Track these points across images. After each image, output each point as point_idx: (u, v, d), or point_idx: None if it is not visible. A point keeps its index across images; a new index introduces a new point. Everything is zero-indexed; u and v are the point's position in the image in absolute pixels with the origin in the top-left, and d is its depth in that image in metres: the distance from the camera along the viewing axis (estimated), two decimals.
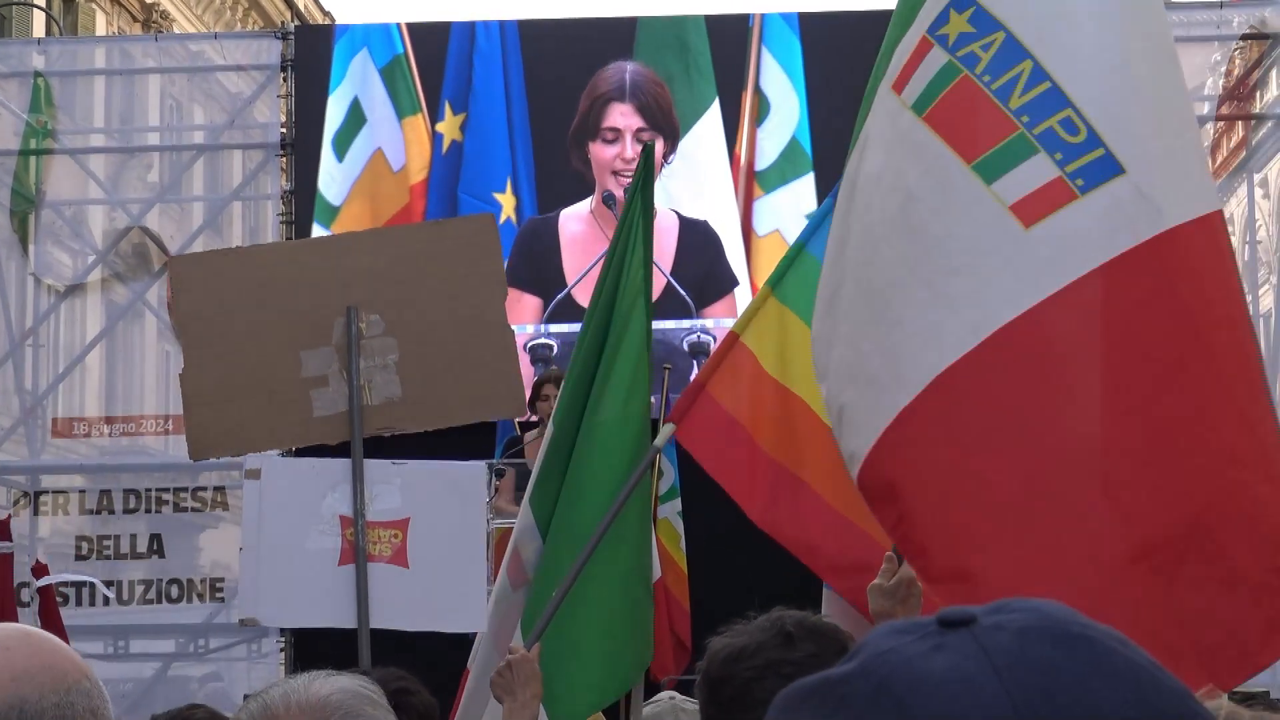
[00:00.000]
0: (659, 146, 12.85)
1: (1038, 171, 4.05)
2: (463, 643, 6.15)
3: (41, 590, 9.89)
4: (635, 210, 5.67)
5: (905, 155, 4.21)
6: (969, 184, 4.08)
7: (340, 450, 5.82)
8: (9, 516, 11.36)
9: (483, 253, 6.00)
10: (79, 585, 12.36)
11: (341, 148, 12.97)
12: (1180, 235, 3.98)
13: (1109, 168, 4.00)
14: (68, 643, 2.01)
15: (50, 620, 8.81)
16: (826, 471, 5.27)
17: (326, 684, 2.08)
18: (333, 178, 12.93)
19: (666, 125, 12.89)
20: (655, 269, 12.20)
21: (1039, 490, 3.92)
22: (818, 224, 5.63)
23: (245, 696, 2.06)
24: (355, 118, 12.99)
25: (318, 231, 12.52)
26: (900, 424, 3.98)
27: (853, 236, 4.24)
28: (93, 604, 12.53)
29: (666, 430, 5.49)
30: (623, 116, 12.88)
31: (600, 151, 12.83)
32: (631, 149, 12.78)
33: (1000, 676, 0.96)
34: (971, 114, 4.18)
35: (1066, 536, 3.91)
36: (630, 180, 12.56)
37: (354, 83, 13.00)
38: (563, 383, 5.75)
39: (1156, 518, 3.88)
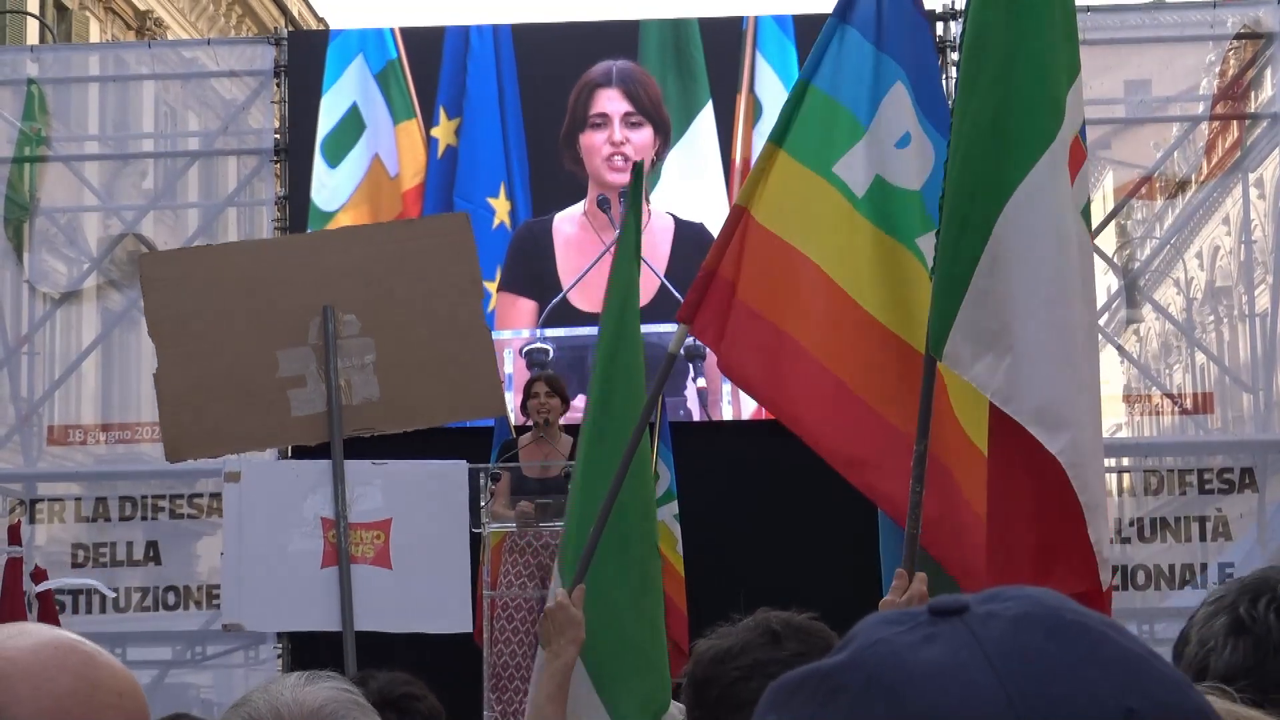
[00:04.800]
0: (649, 135, 12.83)
1: None
2: (449, 643, 6.11)
3: (41, 595, 9.89)
4: (629, 228, 5.54)
5: (1082, 257, 4.56)
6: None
7: (321, 451, 5.77)
8: (19, 521, 11.37)
9: (458, 252, 5.93)
10: (75, 592, 12.34)
11: (335, 153, 12.94)
12: None
13: None
14: None
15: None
16: (839, 347, 5.01)
17: (314, 692, 2.03)
18: (323, 184, 12.91)
19: (655, 115, 12.88)
20: (649, 271, 12.31)
21: None
22: (819, 58, 5.21)
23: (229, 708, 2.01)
24: (354, 124, 12.97)
25: None
26: None
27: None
28: (89, 611, 12.51)
29: (680, 332, 5.15)
30: (610, 101, 12.88)
31: (589, 139, 12.82)
32: (620, 132, 12.77)
33: (994, 667, 0.94)
34: None
35: None
36: (620, 168, 12.60)
37: (352, 88, 12.98)
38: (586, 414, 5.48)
39: None
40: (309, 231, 12.41)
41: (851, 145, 5.10)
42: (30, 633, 1.67)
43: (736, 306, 5.08)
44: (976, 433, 4.80)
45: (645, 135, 12.83)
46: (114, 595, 12.44)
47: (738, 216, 5.17)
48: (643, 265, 12.33)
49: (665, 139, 12.86)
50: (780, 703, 1.01)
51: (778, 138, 5.20)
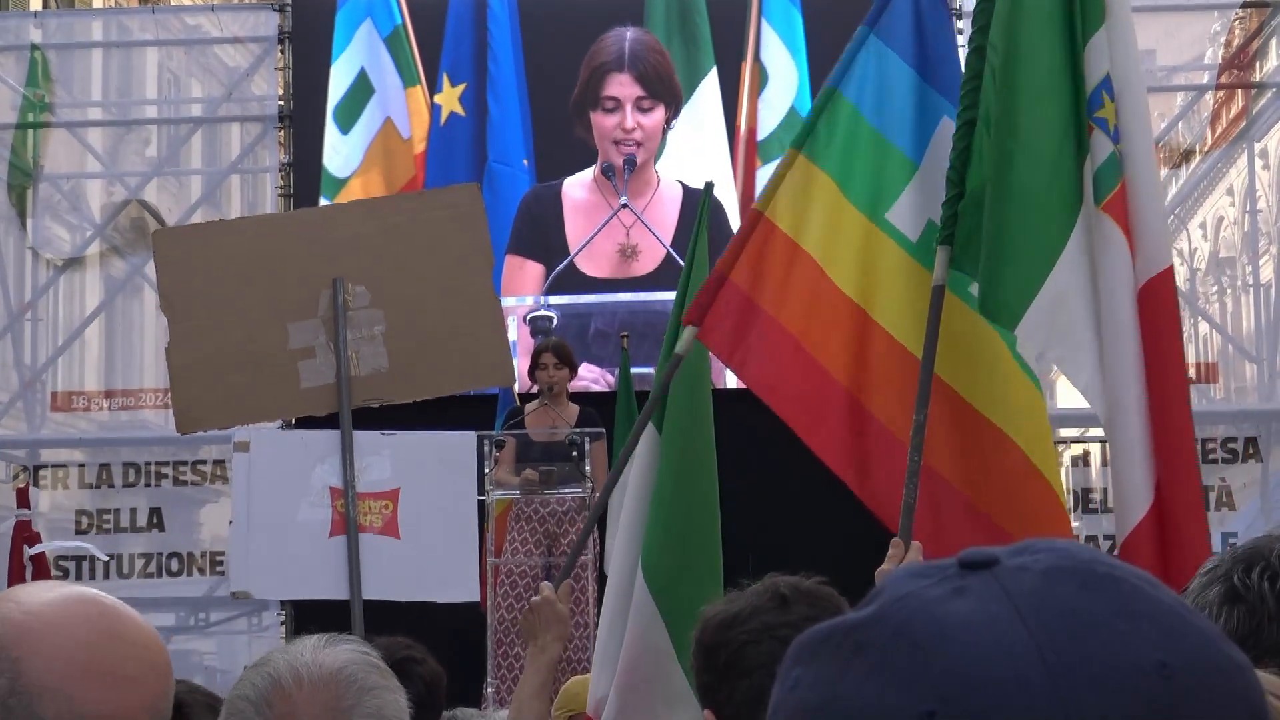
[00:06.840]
0: (661, 114, 12.79)
1: None
2: (456, 612, 6.11)
3: (35, 559, 9.90)
4: (697, 245, 5.59)
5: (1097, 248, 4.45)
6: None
7: (330, 421, 5.79)
8: (28, 484, 11.37)
9: (468, 223, 5.94)
10: (79, 557, 12.36)
11: (346, 119, 12.90)
12: None
13: None
14: None
15: None
16: (845, 355, 4.91)
17: (334, 654, 2.05)
18: (336, 150, 12.87)
19: (667, 93, 12.84)
20: (655, 240, 12.27)
21: None
22: (847, 67, 5.10)
23: (246, 668, 2.04)
24: (362, 88, 12.93)
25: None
26: None
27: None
28: (92, 577, 12.53)
29: (687, 334, 5.01)
30: (621, 86, 12.83)
31: (601, 120, 12.79)
32: (631, 118, 12.75)
33: (1024, 620, 0.93)
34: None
35: None
36: (629, 148, 12.59)
37: (359, 53, 12.94)
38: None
39: None
40: (322, 202, 12.41)
41: (904, 188, 4.98)
42: (52, 588, 1.70)
43: (752, 311, 4.96)
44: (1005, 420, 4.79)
45: (656, 116, 12.80)
46: (108, 560, 12.45)
47: (755, 220, 5.04)
48: (649, 234, 12.37)
49: (676, 111, 12.84)
50: (806, 657, 1.00)
51: (799, 143, 5.08)
